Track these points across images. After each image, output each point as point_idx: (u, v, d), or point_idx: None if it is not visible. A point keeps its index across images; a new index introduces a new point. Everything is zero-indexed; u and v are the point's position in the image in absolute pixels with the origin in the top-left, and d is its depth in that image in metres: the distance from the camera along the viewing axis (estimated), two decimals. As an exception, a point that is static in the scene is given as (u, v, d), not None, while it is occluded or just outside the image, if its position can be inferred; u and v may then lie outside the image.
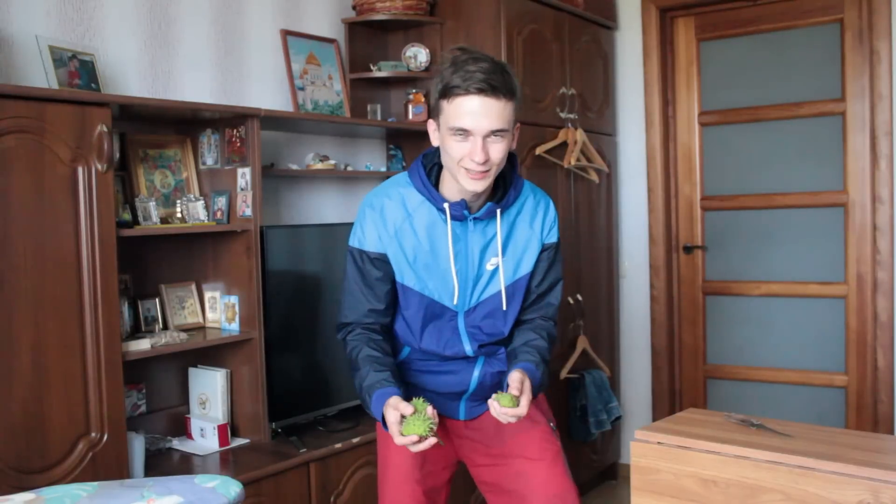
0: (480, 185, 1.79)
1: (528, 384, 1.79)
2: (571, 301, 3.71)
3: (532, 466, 1.96)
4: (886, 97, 3.50)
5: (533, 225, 1.96)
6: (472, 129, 1.73)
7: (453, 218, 1.86)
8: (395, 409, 1.72)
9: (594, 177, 3.77)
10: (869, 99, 3.56)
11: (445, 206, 1.85)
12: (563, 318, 3.67)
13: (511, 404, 1.74)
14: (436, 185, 1.90)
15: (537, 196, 1.99)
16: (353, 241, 1.93)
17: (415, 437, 1.68)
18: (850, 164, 3.64)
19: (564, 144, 3.58)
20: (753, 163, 3.88)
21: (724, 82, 3.93)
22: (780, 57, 3.79)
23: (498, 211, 1.88)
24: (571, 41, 3.72)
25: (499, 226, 1.90)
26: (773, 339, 3.87)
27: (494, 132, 1.74)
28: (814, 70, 3.71)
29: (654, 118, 4.03)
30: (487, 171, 1.77)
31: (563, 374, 3.60)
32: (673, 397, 4.11)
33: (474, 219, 1.87)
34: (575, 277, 3.75)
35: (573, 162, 3.59)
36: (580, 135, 3.60)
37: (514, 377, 1.79)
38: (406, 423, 1.69)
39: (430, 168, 1.91)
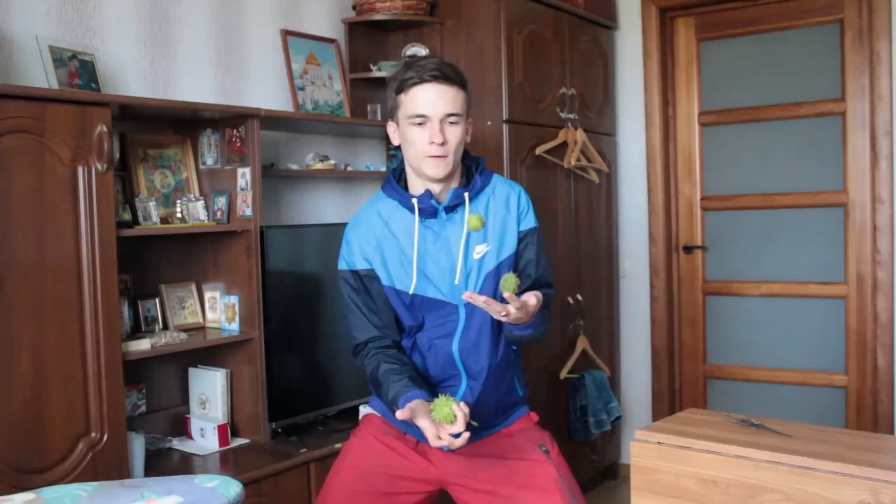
0: (442, 169, 1.90)
1: (539, 296, 1.83)
2: (571, 301, 3.71)
3: (525, 495, 1.93)
4: (886, 97, 3.50)
5: (508, 207, 2.00)
6: (429, 115, 1.87)
7: (426, 212, 1.93)
8: (412, 410, 1.73)
9: (594, 177, 3.77)
10: (869, 99, 3.56)
11: (414, 200, 1.93)
12: (563, 318, 3.67)
13: (512, 288, 1.74)
14: (405, 189, 2.00)
15: (508, 183, 2.06)
16: (342, 265, 2.00)
17: (450, 421, 1.67)
18: (850, 164, 3.64)
19: (564, 144, 3.58)
20: (753, 163, 3.88)
21: (724, 82, 3.93)
22: (780, 57, 3.79)
23: (466, 195, 1.94)
24: (571, 41, 3.72)
25: (467, 209, 1.94)
26: (773, 339, 3.87)
27: (449, 115, 1.87)
28: (814, 70, 3.71)
29: (654, 118, 4.03)
30: (447, 155, 1.88)
31: (563, 374, 3.60)
32: (673, 397, 4.11)
33: (445, 209, 1.94)
34: (575, 277, 3.75)
35: (573, 162, 3.59)
36: (580, 135, 3.60)
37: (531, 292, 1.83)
38: (436, 412, 1.69)
39: (398, 177, 2.02)
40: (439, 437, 1.68)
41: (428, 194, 1.93)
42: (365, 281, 1.96)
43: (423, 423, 1.71)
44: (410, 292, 1.93)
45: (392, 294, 1.95)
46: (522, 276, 2.00)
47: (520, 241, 2.00)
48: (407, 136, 1.91)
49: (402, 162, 2.03)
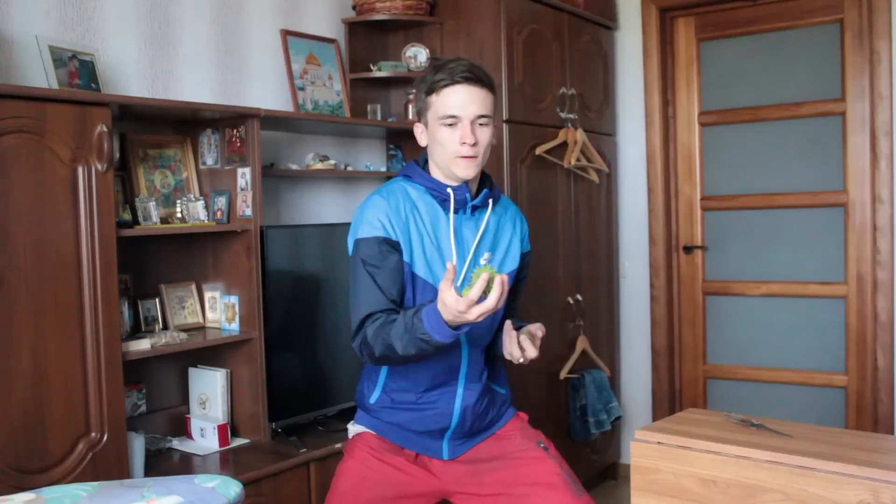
0: (472, 170, 1.93)
1: (538, 338, 1.89)
2: (571, 301, 3.71)
3: (534, 492, 1.93)
4: (886, 97, 3.50)
5: (515, 226, 2.09)
6: (460, 116, 1.90)
7: (457, 204, 1.96)
8: (446, 289, 1.62)
9: (594, 177, 3.77)
10: (869, 99, 3.56)
11: (450, 190, 1.95)
12: (563, 318, 3.67)
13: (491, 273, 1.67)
14: None
15: (513, 204, 2.17)
16: (362, 232, 1.92)
17: (486, 282, 1.61)
18: (850, 164, 3.64)
19: (564, 144, 3.58)
20: (753, 163, 3.88)
21: (724, 82, 3.93)
22: (780, 57, 3.79)
23: (490, 200, 2.01)
24: (571, 41, 3.72)
25: (489, 213, 2.01)
26: (773, 339, 3.87)
27: (480, 117, 1.91)
28: (814, 70, 3.71)
29: (654, 118, 4.03)
30: (476, 156, 1.91)
31: (563, 374, 3.60)
32: (673, 397, 4.11)
33: (473, 207, 1.98)
34: (575, 277, 3.75)
35: (573, 162, 3.59)
36: (580, 135, 3.60)
37: (535, 327, 1.91)
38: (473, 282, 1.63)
39: (422, 167, 2.04)
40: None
41: (465, 186, 1.96)
42: (386, 249, 1.89)
43: (453, 297, 1.61)
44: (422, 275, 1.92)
45: (407, 274, 1.93)
46: (512, 293, 2.07)
47: (521, 259, 2.09)
48: (437, 137, 1.93)
49: (421, 157, 2.05)
